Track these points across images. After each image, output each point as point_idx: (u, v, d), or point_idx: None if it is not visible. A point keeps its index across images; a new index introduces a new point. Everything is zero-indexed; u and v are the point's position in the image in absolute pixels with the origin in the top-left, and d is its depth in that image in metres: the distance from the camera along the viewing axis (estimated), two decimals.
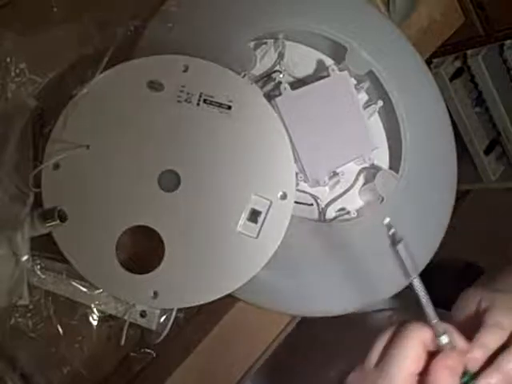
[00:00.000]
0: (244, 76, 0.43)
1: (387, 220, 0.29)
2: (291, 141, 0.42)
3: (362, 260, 0.45)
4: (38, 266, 0.39)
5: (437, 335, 0.32)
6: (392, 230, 0.28)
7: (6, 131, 0.38)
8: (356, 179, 0.48)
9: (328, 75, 0.46)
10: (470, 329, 0.34)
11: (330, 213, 0.46)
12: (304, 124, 0.43)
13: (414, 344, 0.32)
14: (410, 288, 0.33)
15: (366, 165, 0.48)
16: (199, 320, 0.42)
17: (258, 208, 0.39)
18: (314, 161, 0.43)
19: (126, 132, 0.38)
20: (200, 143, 0.39)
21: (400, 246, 0.29)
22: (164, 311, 0.40)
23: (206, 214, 0.38)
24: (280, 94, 0.43)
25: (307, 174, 0.43)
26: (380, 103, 0.48)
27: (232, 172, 0.39)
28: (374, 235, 0.45)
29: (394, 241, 0.28)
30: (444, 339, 0.32)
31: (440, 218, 0.49)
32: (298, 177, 0.43)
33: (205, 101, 0.39)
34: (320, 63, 0.50)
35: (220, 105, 0.39)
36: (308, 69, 0.50)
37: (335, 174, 0.45)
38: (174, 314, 0.40)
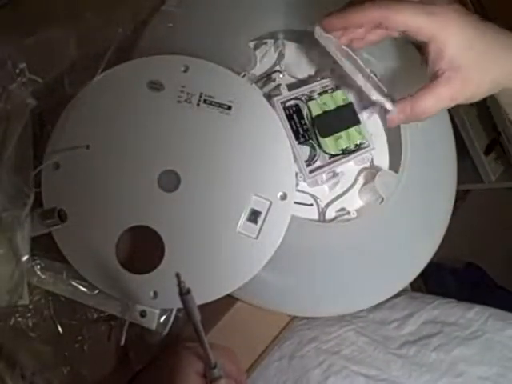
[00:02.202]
0: (244, 76, 0.43)
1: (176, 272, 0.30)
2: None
3: (361, 260, 0.45)
4: (38, 266, 0.39)
5: (210, 367, 0.34)
6: (181, 281, 0.29)
7: (6, 131, 0.38)
8: (356, 179, 0.48)
9: (328, 75, 0.46)
10: None
11: (330, 213, 0.46)
12: None
13: (191, 374, 0.34)
14: None
15: (366, 165, 0.48)
16: None
17: (257, 208, 0.39)
18: None
19: (125, 132, 0.38)
20: (200, 143, 0.39)
21: (189, 297, 0.30)
22: (164, 311, 0.40)
23: (206, 214, 0.38)
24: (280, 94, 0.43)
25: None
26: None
27: (232, 172, 0.39)
28: (374, 235, 0.45)
29: (182, 291, 0.29)
30: (216, 372, 0.34)
31: (440, 218, 0.49)
32: (297, 177, 0.43)
33: (205, 101, 0.39)
34: (320, 63, 0.50)
35: (220, 105, 0.39)
36: (308, 69, 0.50)
37: (335, 174, 0.45)
38: (173, 313, 0.40)
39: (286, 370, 0.45)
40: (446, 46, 0.37)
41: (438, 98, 0.38)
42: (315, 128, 0.44)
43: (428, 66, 0.39)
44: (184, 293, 0.29)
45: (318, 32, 0.40)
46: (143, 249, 0.38)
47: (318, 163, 0.44)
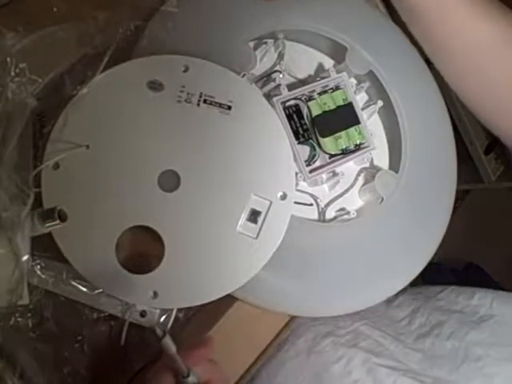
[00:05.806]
0: (244, 76, 0.43)
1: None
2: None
3: (361, 260, 0.45)
4: (38, 266, 0.39)
5: (183, 376, 0.32)
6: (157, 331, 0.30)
7: (6, 131, 0.38)
8: (356, 179, 0.48)
9: (328, 75, 0.46)
10: None
11: (330, 213, 0.46)
12: None
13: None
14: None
15: (366, 165, 0.48)
16: (199, 320, 0.42)
17: (257, 208, 0.39)
18: None
19: (125, 132, 0.38)
20: (200, 143, 0.39)
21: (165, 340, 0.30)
22: (164, 311, 0.40)
23: (206, 214, 0.38)
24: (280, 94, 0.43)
25: None
26: (380, 103, 0.48)
27: (232, 172, 0.39)
28: (374, 235, 0.45)
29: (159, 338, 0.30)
30: (191, 379, 0.33)
31: (440, 218, 0.49)
32: (297, 177, 0.43)
33: (205, 101, 0.39)
34: (320, 63, 0.51)
35: (220, 105, 0.39)
36: (308, 69, 0.50)
37: (335, 173, 0.45)
38: (173, 313, 0.40)
39: (305, 366, 0.45)
40: None
41: None
42: (315, 128, 0.44)
43: None
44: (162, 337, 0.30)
45: None
46: (143, 249, 0.38)
47: (317, 163, 0.44)
